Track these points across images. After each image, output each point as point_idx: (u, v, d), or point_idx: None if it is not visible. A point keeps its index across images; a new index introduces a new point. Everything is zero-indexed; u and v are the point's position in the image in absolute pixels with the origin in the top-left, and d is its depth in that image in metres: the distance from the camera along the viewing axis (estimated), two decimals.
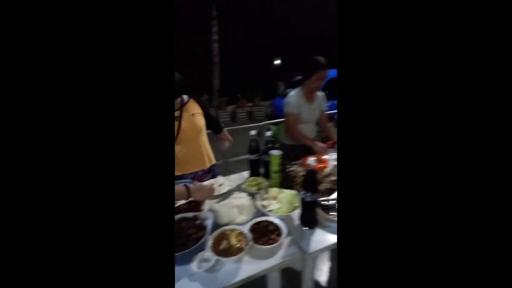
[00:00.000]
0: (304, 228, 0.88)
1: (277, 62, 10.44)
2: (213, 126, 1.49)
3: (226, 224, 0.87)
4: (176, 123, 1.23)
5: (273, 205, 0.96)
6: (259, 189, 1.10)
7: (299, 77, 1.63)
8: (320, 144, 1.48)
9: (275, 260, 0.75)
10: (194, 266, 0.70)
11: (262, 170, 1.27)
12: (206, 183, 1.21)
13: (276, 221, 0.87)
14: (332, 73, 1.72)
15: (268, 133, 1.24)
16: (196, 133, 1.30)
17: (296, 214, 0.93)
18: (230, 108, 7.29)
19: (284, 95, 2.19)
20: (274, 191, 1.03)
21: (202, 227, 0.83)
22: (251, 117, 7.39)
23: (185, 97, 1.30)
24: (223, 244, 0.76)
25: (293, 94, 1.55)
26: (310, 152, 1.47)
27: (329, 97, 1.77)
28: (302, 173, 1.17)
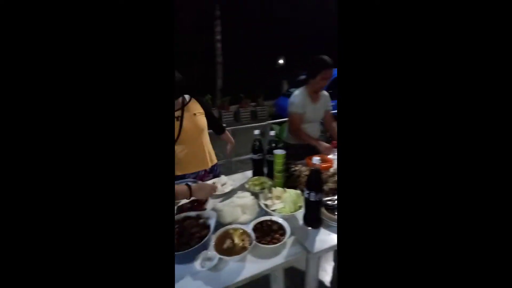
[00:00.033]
0: (308, 228, 0.88)
1: (281, 61, 10.43)
2: (215, 126, 1.48)
3: (230, 223, 0.87)
4: (178, 123, 1.22)
5: (277, 205, 0.96)
6: (262, 188, 1.10)
7: (303, 77, 1.62)
8: (325, 144, 1.47)
9: (278, 260, 0.74)
10: (197, 264, 0.70)
11: (265, 170, 1.26)
12: (209, 182, 1.21)
13: (280, 220, 0.87)
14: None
15: (272, 133, 1.23)
16: (197, 133, 1.30)
17: (300, 213, 0.92)
18: (233, 108, 7.30)
19: (288, 95, 2.18)
20: (277, 190, 1.03)
21: (206, 226, 0.83)
22: (254, 117, 7.39)
23: (186, 96, 1.30)
24: (227, 243, 0.76)
25: (298, 94, 1.55)
26: (314, 151, 1.46)
27: (333, 97, 1.76)
28: (306, 173, 1.16)
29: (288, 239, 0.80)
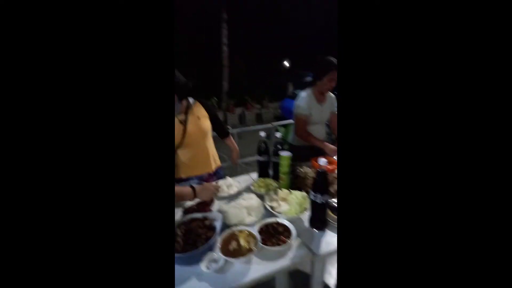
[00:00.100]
0: (313, 230, 0.87)
1: (286, 63, 10.44)
2: (220, 130, 1.49)
3: (235, 225, 0.87)
4: (182, 126, 1.23)
5: (283, 207, 0.96)
6: (268, 190, 1.10)
7: (309, 78, 1.62)
8: (331, 146, 1.46)
9: (284, 262, 0.74)
10: (203, 266, 0.71)
11: (271, 172, 1.26)
12: (213, 183, 1.21)
13: (285, 222, 0.86)
14: None
15: (278, 135, 1.23)
16: (201, 136, 1.30)
17: (306, 215, 0.92)
18: (238, 110, 7.33)
19: (293, 96, 2.18)
20: (283, 192, 1.03)
21: (212, 228, 0.84)
22: (259, 119, 7.40)
23: (191, 100, 1.30)
24: (232, 245, 0.76)
25: (304, 95, 1.54)
26: (320, 153, 1.45)
27: None
28: (311, 175, 1.16)
29: (294, 241, 0.80)
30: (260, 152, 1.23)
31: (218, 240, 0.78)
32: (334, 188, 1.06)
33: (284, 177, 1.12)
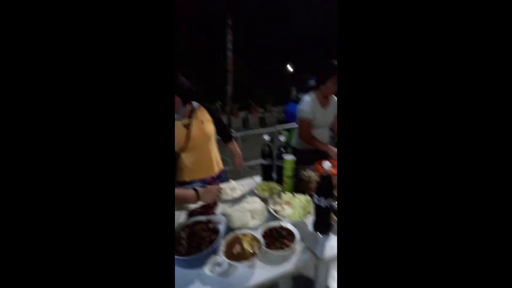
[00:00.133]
0: (317, 234, 0.86)
1: (289, 68, 10.48)
2: (223, 134, 1.50)
3: (239, 228, 0.87)
4: (186, 130, 1.24)
5: (286, 210, 0.95)
6: (271, 193, 1.10)
7: (312, 82, 1.62)
8: (335, 149, 1.46)
9: (288, 266, 0.73)
10: (207, 270, 0.71)
11: (274, 175, 1.26)
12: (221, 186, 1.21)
13: (289, 226, 0.86)
14: None
15: (282, 138, 1.24)
16: (205, 140, 1.31)
17: (310, 219, 0.91)
18: (242, 114, 7.36)
19: (297, 100, 2.19)
20: (287, 196, 1.02)
21: (215, 231, 0.84)
22: (263, 123, 7.42)
23: (195, 104, 1.32)
24: (236, 249, 0.76)
25: (307, 99, 1.55)
26: (324, 157, 1.44)
27: None
28: (315, 178, 1.15)
29: (298, 246, 0.79)
30: (264, 156, 1.23)
31: (222, 244, 0.78)
32: None
33: (288, 181, 1.12)
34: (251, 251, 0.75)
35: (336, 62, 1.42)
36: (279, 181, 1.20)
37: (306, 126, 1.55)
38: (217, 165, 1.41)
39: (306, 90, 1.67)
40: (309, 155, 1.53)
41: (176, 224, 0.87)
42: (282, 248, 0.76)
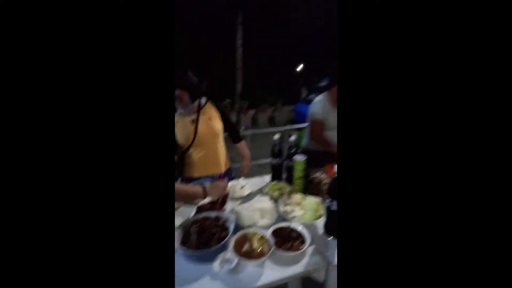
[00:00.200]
0: (329, 238, 0.85)
1: (299, 68, 10.40)
2: (232, 133, 1.49)
3: (248, 227, 0.86)
4: (193, 126, 1.25)
5: (297, 212, 0.94)
6: (281, 194, 1.09)
7: (324, 83, 1.60)
8: None
9: (298, 268, 0.73)
10: (216, 266, 0.71)
11: (284, 175, 1.25)
12: (229, 184, 1.21)
13: (299, 228, 0.85)
14: None
15: (292, 138, 1.22)
16: (212, 136, 1.31)
17: (320, 222, 0.90)
18: (251, 112, 7.36)
19: (307, 101, 2.16)
20: (297, 197, 1.01)
21: (225, 228, 0.84)
22: (272, 122, 7.40)
23: (203, 100, 1.32)
24: (245, 247, 0.76)
25: (319, 100, 1.53)
26: (334, 159, 1.42)
27: None
28: (326, 181, 1.14)
29: (308, 248, 0.78)
30: (273, 155, 1.22)
31: (231, 241, 0.78)
32: None
33: (298, 182, 1.11)
34: (261, 250, 0.75)
35: None
36: (289, 181, 1.19)
37: (317, 127, 1.53)
38: (225, 163, 1.41)
39: (317, 90, 1.65)
40: (319, 156, 1.51)
41: (186, 219, 0.88)
42: (292, 250, 0.76)
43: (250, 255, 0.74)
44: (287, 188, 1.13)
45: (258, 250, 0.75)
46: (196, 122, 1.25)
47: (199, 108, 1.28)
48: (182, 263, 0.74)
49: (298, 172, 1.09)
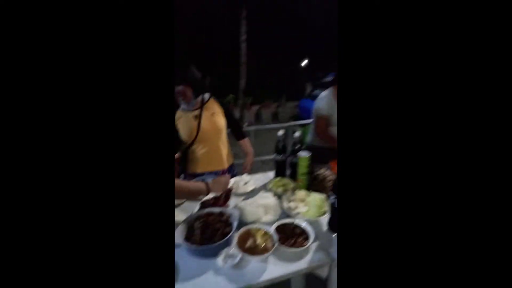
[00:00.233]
0: (333, 234, 0.85)
1: (304, 63, 10.29)
2: (235, 130, 1.47)
3: (252, 223, 0.86)
4: (196, 122, 1.24)
5: (300, 208, 0.94)
6: (285, 190, 1.08)
7: (329, 78, 1.58)
8: None
9: (301, 265, 0.72)
10: (220, 261, 0.71)
11: (288, 172, 1.24)
12: (232, 180, 1.21)
13: (303, 224, 0.85)
14: None
15: (297, 134, 1.21)
16: (215, 132, 1.30)
17: (325, 219, 0.89)
18: (255, 108, 7.34)
19: (312, 96, 2.14)
20: (301, 193, 1.01)
21: (228, 223, 0.84)
22: (275, 118, 7.37)
23: (205, 95, 1.31)
24: (249, 242, 0.76)
25: (324, 96, 1.51)
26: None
27: None
28: (330, 177, 1.13)
29: (312, 244, 0.78)
30: (277, 151, 1.21)
31: (235, 236, 0.78)
32: None
33: (302, 179, 1.10)
34: (264, 246, 0.75)
35: None
36: (292, 177, 1.18)
37: (322, 123, 1.51)
38: (228, 159, 1.41)
39: (322, 86, 1.63)
40: (324, 152, 1.49)
41: (189, 215, 0.88)
42: (295, 246, 0.75)
43: (254, 250, 0.74)
44: (291, 184, 1.13)
45: (262, 246, 0.75)
46: (199, 117, 1.25)
47: (202, 104, 1.27)
48: (186, 258, 0.74)
49: (303, 168, 1.08)
